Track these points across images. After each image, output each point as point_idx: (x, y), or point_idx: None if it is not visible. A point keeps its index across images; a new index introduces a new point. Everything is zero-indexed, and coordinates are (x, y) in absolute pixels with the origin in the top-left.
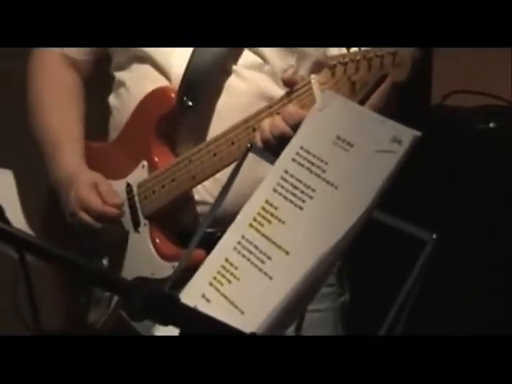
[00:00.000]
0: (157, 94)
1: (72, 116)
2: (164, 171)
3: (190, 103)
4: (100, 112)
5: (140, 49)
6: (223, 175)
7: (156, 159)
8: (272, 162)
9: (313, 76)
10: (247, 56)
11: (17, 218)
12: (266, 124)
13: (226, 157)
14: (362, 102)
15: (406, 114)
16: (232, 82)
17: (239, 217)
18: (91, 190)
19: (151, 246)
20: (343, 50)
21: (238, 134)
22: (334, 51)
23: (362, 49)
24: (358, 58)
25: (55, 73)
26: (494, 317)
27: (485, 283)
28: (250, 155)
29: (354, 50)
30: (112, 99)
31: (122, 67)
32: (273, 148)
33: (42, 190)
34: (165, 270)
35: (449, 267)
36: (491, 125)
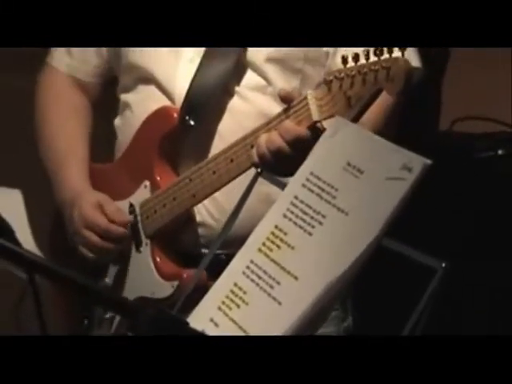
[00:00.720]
0: (159, 114)
1: (78, 137)
2: (165, 190)
3: (192, 122)
4: (107, 135)
5: (145, 70)
6: (224, 196)
7: (158, 179)
8: (281, 187)
9: (309, 91)
10: (250, 77)
11: (25, 239)
12: (263, 139)
13: (224, 174)
14: (357, 117)
15: (414, 141)
16: (235, 103)
17: (248, 241)
18: (96, 209)
19: (152, 266)
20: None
21: (237, 152)
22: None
23: (358, 63)
24: (353, 73)
25: (63, 93)
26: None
27: (490, 308)
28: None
29: (350, 65)
30: (117, 121)
31: (128, 89)
32: (269, 164)
33: (48, 209)
34: (165, 289)
35: (456, 293)
36: (499, 152)
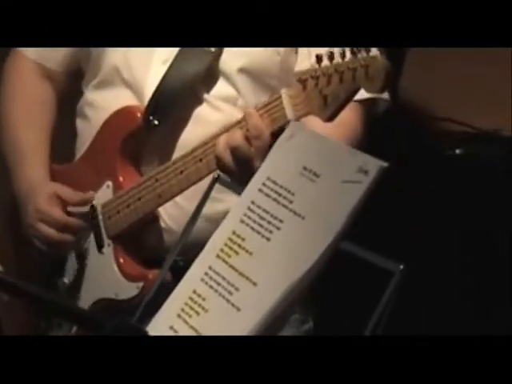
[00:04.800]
0: (122, 113)
1: (41, 131)
2: (129, 190)
3: (156, 122)
4: (67, 134)
5: (114, 67)
6: (187, 202)
7: (121, 179)
8: (239, 193)
9: (283, 90)
10: (222, 87)
11: None
12: (223, 136)
13: (193, 174)
14: (333, 115)
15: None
16: (204, 110)
17: (206, 248)
18: (51, 201)
19: (115, 267)
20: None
21: (206, 151)
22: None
23: (334, 62)
24: (330, 71)
25: (29, 83)
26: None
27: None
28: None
29: (325, 64)
30: (79, 119)
31: (94, 86)
32: (228, 163)
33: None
34: (129, 290)
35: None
36: (457, 151)
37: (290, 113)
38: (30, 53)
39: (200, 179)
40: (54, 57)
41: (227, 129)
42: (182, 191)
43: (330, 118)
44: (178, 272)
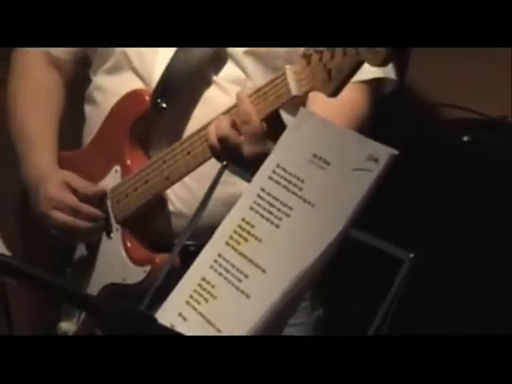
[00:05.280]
0: (130, 97)
1: (49, 118)
2: (137, 173)
3: (164, 105)
4: (76, 122)
5: (123, 53)
6: (197, 184)
7: (129, 163)
8: (248, 180)
9: (287, 66)
10: (230, 69)
11: None
12: (212, 124)
13: (200, 154)
14: (338, 89)
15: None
16: (212, 93)
17: (216, 235)
18: (62, 188)
19: (123, 251)
20: None
21: None
22: None
23: None
24: None
25: (37, 72)
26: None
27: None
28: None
29: None
30: (87, 105)
31: (102, 72)
32: (221, 153)
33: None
34: (136, 274)
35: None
36: (465, 138)
37: (294, 88)
38: None
39: (206, 160)
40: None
41: (223, 113)
42: (188, 172)
43: (335, 93)
44: (189, 257)
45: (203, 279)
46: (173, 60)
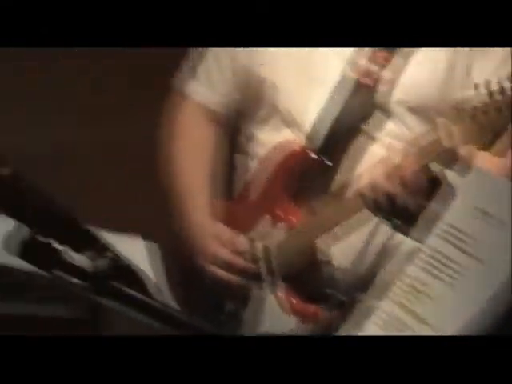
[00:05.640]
0: (292, 152)
1: (205, 171)
2: (293, 226)
3: (330, 163)
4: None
5: (272, 103)
6: (348, 235)
7: (281, 214)
8: (403, 232)
9: (439, 119)
10: (391, 125)
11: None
12: (367, 186)
13: (353, 206)
14: (490, 144)
15: None
16: (374, 148)
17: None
18: (215, 242)
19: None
20: None
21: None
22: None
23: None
24: (488, 101)
25: (195, 127)
26: None
27: None
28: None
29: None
30: (237, 155)
31: (252, 121)
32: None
33: None
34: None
35: None
36: None
37: (445, 140)
38: (196, 95)
39: (358, 211)
40: (218, 99)
41: (378, 165)
42: (338, 223)
43: (488, 147)
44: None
45: None
46: (338, 117)
